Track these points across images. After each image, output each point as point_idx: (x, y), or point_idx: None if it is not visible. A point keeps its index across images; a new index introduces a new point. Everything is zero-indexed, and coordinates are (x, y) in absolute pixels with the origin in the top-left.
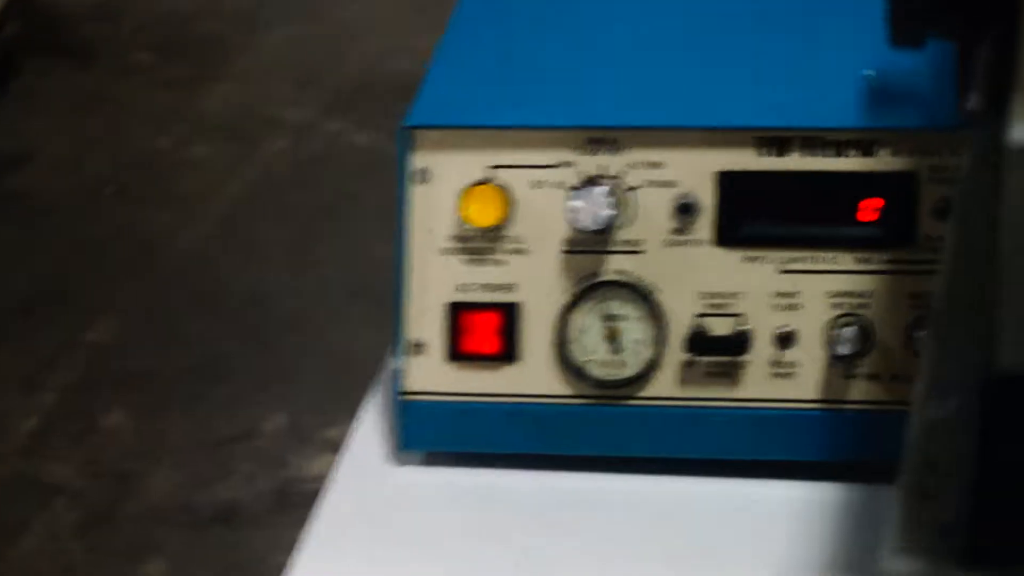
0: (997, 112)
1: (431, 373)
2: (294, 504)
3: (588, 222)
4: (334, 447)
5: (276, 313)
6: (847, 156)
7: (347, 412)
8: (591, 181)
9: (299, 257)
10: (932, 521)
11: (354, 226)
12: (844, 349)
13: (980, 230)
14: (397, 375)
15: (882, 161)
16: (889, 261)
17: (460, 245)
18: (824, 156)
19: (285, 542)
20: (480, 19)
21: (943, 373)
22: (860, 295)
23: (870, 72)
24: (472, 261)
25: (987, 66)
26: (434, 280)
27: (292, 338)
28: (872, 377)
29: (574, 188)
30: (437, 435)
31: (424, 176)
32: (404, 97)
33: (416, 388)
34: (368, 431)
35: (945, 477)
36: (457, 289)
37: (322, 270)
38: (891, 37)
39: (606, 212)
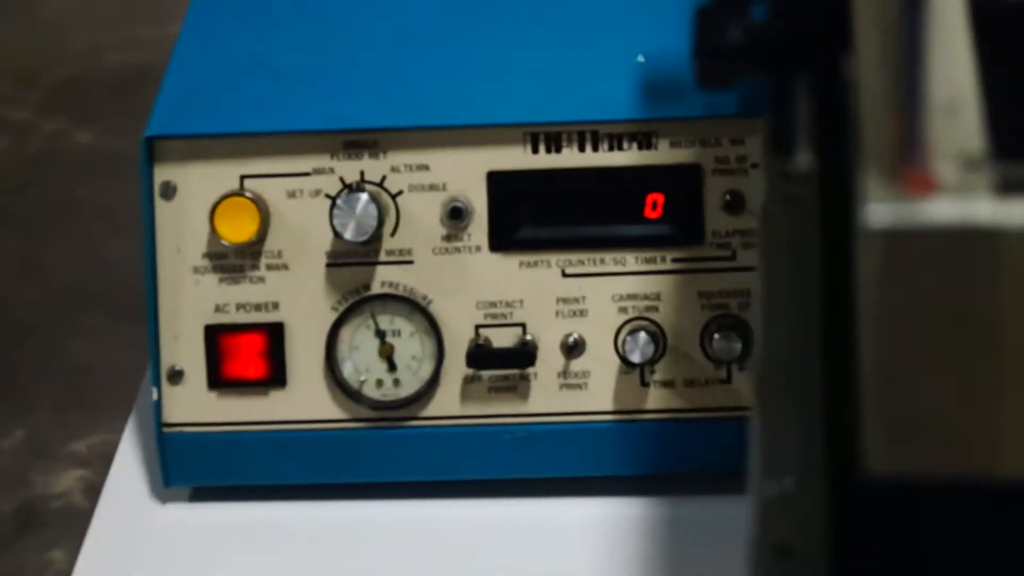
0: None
1: (192, 403)
2: (40, 523)
3: (352, 233)
4: (79, 461)
5: (4, 323)
6: (625, 150)
7: (89, 425)
8: (352, 188)
9: (26, 264)
10: None
11: (81, 228)
12: (636, 356)
13: (800, 286)
14: (156, 406)
15: (663, 154)
16: (676, 260)
17: (214, 263)
18: (601, 151)
19: (32, 565)
20: (216, 16)
21: (777, 449)
22: (648, 297)
23: (641, 58)
24: (228, 280)
25: (811, 117)
26: (188, 302)
27: (24, 349)
28: (666, 384)
29: (334, 196)
30: (202, 469)
31: (169, 190)
32: (125, 91)
33: (177, 420)
34: (127, 465)
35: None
36: (215, 310)
37: (51, 277)
38: (698, 79)
39: (371, 221)
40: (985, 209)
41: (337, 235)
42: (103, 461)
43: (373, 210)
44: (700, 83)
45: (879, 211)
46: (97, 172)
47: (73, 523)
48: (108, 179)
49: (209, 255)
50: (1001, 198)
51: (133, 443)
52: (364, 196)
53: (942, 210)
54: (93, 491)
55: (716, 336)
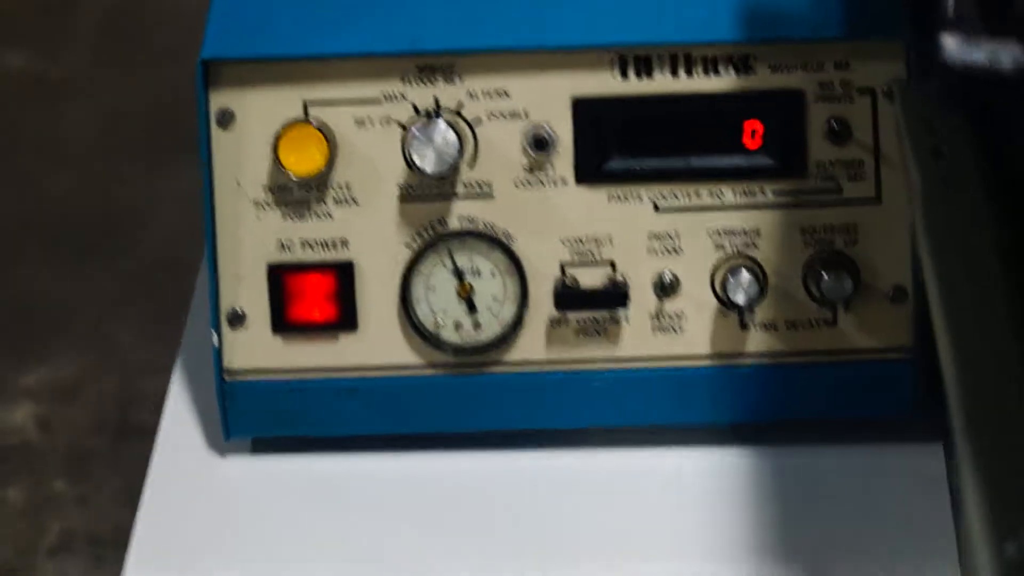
0: None
1: (255, 348)
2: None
3: (431, 164)
4: (30, 395)
5: None
6: (721, 75)
7: (37, 359)
8: (429, 115)
9: None
10: None
11: (16, 158)
12: (739, 296)
13: (986, 287)
14: (216, 352)
15: (762, 79)
16: (777, 192)
17: (277, 197)
18: (695, 76)
19: None
20: None
21: (1007, 498)
22: (747, 233)
23: None
24: (293, 215)
25: None
26: (249, 239)
27: None
28: (767, 326)
29: (409, 125)
30: (267, 420)
31: (227, 118)
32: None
33: (239, 366)
34: (182, 415)
35: None
36: (279, 248)
37: None
38: None
39: (451, 151)
40: None
41: (412, 167)
42: (54, 395)
43: (453, 138)
44: None
45: None
46: (31, 96)
47: (29, 458)
48: (42, 104)
49: (271, 188)
50: None
51: (183, 390)
52: (442, 123)
53: None
54: (47, 426)
55: (824, 275)
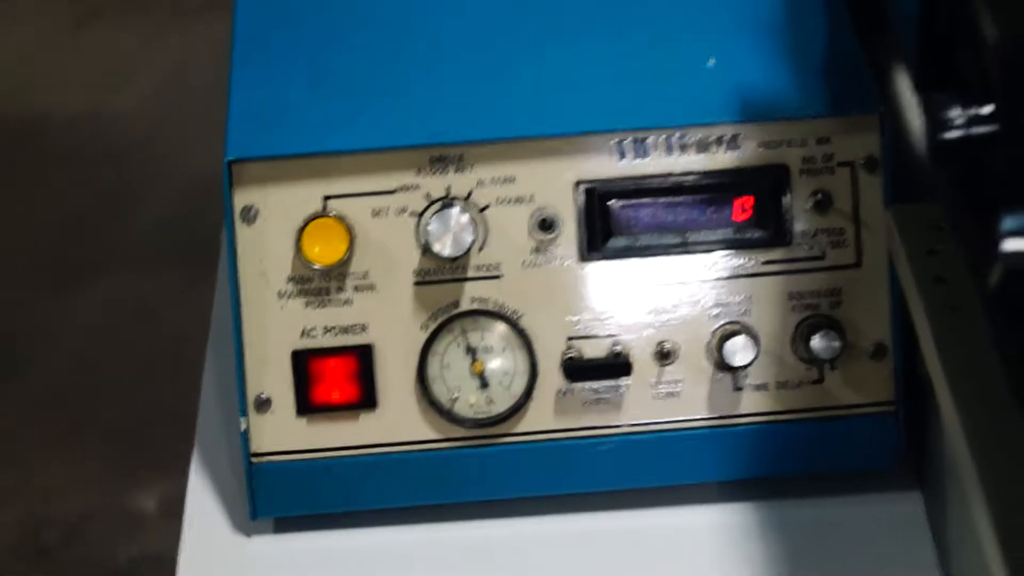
0: None
1: (281, 431)
2: None
3: (449, 248)
4: None
5: None
6: (712, 153)
7: None
8: (444, 203)
9: None
10: None
11: None
12: (737, 360)
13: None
14: (244, 437)
15: (749, 156)
16: (766, 262)
17: (300, 287)
18: (688, 155)
19: None
20: (269, 32)
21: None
22: (740, 301)
23: (712, 61)
24: (315, 303)
25: None
26: (274, 327)
27: None
28: (759, 387)
29: (423, 213)
30: (293, 498)
31: (250, 215)
32: None
33: (266, 449)
34: (203, 498)
35: None
36: (302, 335)
37: None
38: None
39: (467, 236)
40: None
41: (430, 251)
42: None
43: (467, 222)
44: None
45: None
46: None
47: None
48: None
49: (294, 279)
50: None
51: (203, 478)
52: (457, 210)
53: None
54: None
55: (812, 337)
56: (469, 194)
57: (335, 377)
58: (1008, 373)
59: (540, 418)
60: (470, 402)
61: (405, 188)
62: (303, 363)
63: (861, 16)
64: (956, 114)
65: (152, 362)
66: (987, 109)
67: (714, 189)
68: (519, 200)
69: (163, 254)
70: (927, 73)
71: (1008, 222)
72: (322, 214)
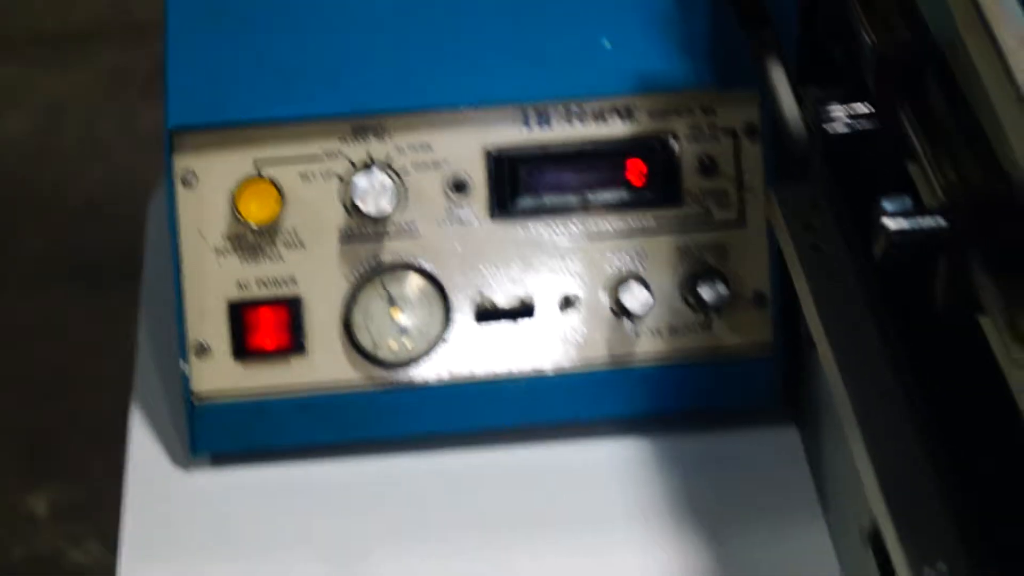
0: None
1: (219, 374)
2: None
3: (370, 208)
4: None
5: None
6: (608, 122)
7: None
8: (367, 168)
9: None
10: None
11: None
12: (634, 306)
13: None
14: (184, 379)
15: (642, 125)
16: (658, 220)
17: (235, 244)
18: (587, 124)
19: None
20: (198, 5)
21: (923, 532)
22: (635, 254)
23: (607, 43)
24: (249, 259)
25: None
26: (212, 281)
27: None
28: (653, 332)
29: (347, 177)
30: (230, 435)
31: (190, 178)
32: None
33: (205, 390)
34: (142, 438)
35: None
36: (237, 287)
37: None
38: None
39: (387, 197)
40: None
41: (354, 211)
42: None
43: (389, 184)
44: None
45: None
46: None
47: None
48: None
49: (230, 237)
50: None
51: (142, 416)
52: (378, 173)
53: None
54: None
55: (701, 286)
56: (388, 160)
57: (267, 325)
58: (881, 325)
59: (455, 361)
60: (391, 347)
61: (331, 154)
62: (238, 313)
63: (740, 10)
64: (836, 111)
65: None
66: (864, 108)
67: (610, 154)
68: (434, 165)
69: (44, 279)
70: (805, 68)
71: (887, 205)
72: (255, 177)
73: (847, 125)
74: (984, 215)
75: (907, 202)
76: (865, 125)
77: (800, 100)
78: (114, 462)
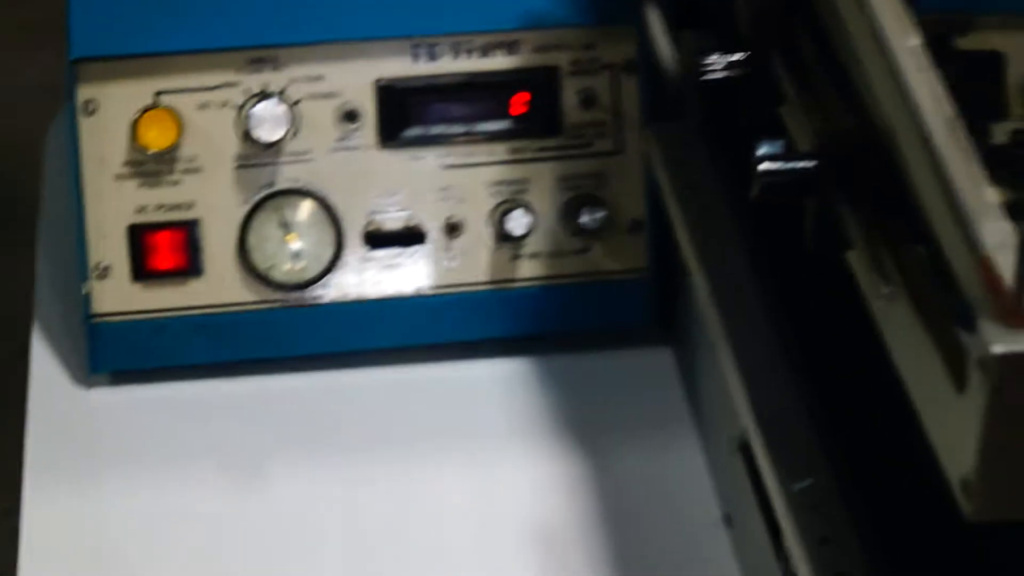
0: None
1: (119, 295)
2: None
3: (265, 135)
4: None
5: None
6: (493, 57)
7: None
8: (262, 97)
9: None
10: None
11: None
12: (517, 229)
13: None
14: (85, 299)
15: (525, 59)
16: (540, 149)
17: (135, 170)
18: (472, 58)
19: None
20: None
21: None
22: (518, 182)
23: None
24: (148, 184)
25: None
26: (112, 205)
27: None
28: (535, 256)
29: (246, 105)
30: (129, 354)
31: (91, 107)
32: None
33: (105, 310)
34: (44, 358)
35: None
36: (137, 211)
37: None
38: None
39: (281, 124)
40: None
41: (249, 138)
42: None
43: (282, 114)
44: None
45: (999, 344)
46: None
47: None
48: None
49: (129, 163)
50: None
51: (42, 340)
52: (273, 102)
53: None
54: None
55: (581, 211)
56: (283, 90)
57: (166, 248)
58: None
59: (346, 282)
60: (284, 269)
61: (228, 84)
62: (138, 236)
63: None
64: (711, 58)
65: None
66: (739, 56)
67: (495, 87)
68: (327, 95)
69: None
70: (683, 13)
71: (762, 148)
72: (154, 106)
73: (722, 71)
74: (851, 158)
75: (781, 146)
76: (740, 71)
77: (676, 43)
78: None
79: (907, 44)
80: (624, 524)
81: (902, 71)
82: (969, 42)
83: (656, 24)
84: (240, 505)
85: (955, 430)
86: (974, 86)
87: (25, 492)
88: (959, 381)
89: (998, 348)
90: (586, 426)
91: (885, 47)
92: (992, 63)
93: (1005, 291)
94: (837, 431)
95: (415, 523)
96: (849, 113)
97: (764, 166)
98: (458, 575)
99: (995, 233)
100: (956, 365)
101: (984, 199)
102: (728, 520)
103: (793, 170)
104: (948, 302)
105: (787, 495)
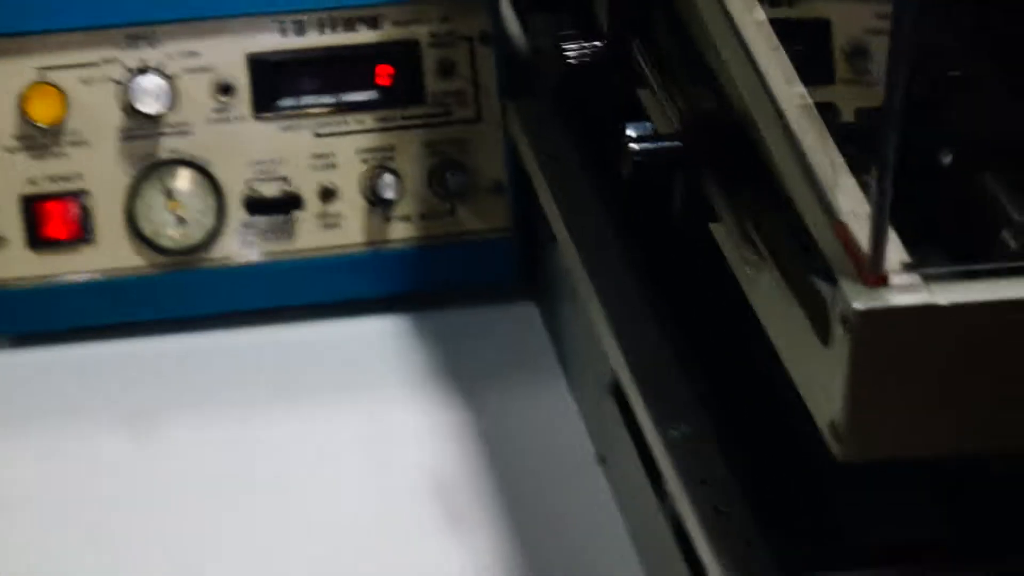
0: None
1: (15, 262)
2: None
3: (146, 108)
4: None
5: None
6: (357, 31)
7: None
8: (142, 72)
9: None
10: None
11: None
12: (385, 195)
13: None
14: None
15: (388, 33)
16: (405, 117)
17: (24, 143)
18: (338, 32)
19: None
20: None
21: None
22: (385, 149)
23: None
24: (38, 157)
25: None
26: (5, 179)
27: None
28: (404, 218)
29: (128, 80)
30: (27, 318)
31: None
32: None
33: (2, 278)
34: None
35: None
36: (28, 183)
37: None
38: None
39: (161, 97)
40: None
41: (132, 112)
42: None
43: (162, 88)
44: None
45: (858, 301)
46: None
47: None
48: None
49: (19, 137)
50: (929, 287)
51: None
52: (152, 76)
53: (897, 296)
54: None
55: (446, 175)
56: (161, 65)
57: (58, 217)
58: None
59: (228, 247)
60: (170, 235)
61: (108, 61)
62: (31, 206)
63: None
64: (570, 44)
65: None
66: (597, 43)
67: (360, 59)
68: (203, 70)
69: None
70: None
71: (630, 130)
72: (40, 83)
73: (580, 57)
74: (714, 137)
75: (648, 127)
76: (598, 57)
77: (530, 25)
78: None
79: (754, 19)
80: (504, 465)
81: (753, 52)
82: (798, 12)
83: (506, 5)
84: (136, 455)
85: (822, 380)
86: (806, 53)
87: None
88: (823, 336)
89: (858, 305)
90: (462, 376)
91: (735, 25)
92: (820, 30)
93: (861, 254)
94: (707, 377)
95: (308, 470)
96: (709, 94)
97: (634, 146)
98: (351, 510)
99: (849, 201)
100: (820, 322)
101: (836, 170)
102: (603, 460)
103: (661, 149)
104: (810, 266)
105: (665, 440)
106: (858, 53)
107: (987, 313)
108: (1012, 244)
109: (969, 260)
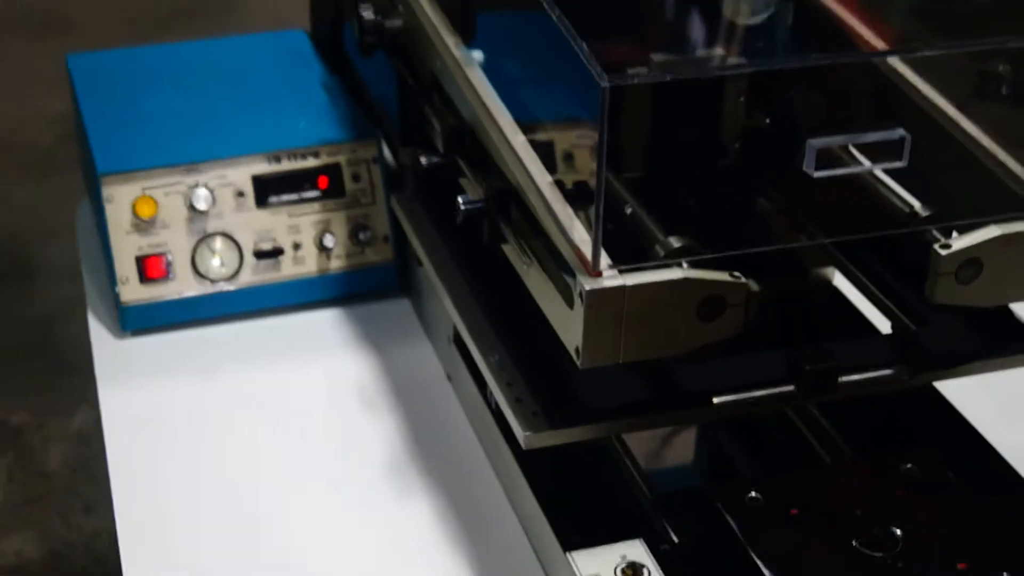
0: None
1: (132, 291)
2: None
3: (201, 205)
4: None
5: None
6: (307, 159)
7: None
8: (196, 187)
9: None
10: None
11: None
12: (329, 244)
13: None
14: (116, 294)
15: (324, 160)
16: (335, 204)
17: (136, 228)
18: (297, 160)
19: None
20: None
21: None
22: (326, 221)
23: (302, 121)
24: (143, 235)
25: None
26: (126, 246)
27: None
28: (339, 257)
29: (190, 191)
30: (139, 321)
31: (110, 198)
32: None
33: (127, 299)
34: (97, 326)
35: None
36: (139, 249)
37: None
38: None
39: (208, 200)
40: (619, 279)
41: (193, 208)
42: None
43: (208, 194)
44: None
45: (587, 284)
46: None
47: None
48: None
49: (133, 224)
50: (622, 276)
51: (94, 318)
52: (203, 189)
53: (606, 281)
54: None
55: (359, 233)
56: (206, 183)
57: (154, 267)
58: (456, 254)
59: (245, 277)
60: (214, 272)
61: (178, 182)
62: (140, 261)
63: (362, 105)
64: (423, 157)
65: None
66: (436, 158)
67: (310, 174)
68: (228, 184)
69: None
70: (405, 134)
71: (460, 198)
72: (143, 196)
73: (428, 166)
74: (502, 201)
75: (469, 197)
76: (440, 164)
77: (395, 151)
78: None
79: (520, 141)
80: (391, 381)
81: (521, 156)
82: (542, 136)
83: (389, 135)
84: (213, 389)
85: (570, 327)
86: (544, 157)
87: None
88: (569, 304)
89: (587, 286)
90: (367, 338)
91: (511, 145)
92: (551, 146)
93: (587, 261)
94: (508, 328)
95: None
96: (500, 179)
97: (462, 206)
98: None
99: (580, 234)
100: (567, 296)
101: (572, 220)
102: (449, 377)
103: (475, 208)
104: (561, 267)
105: (486, 363)
106: (568, 157)
107: (648, 288)
108: (660, 253)
109: (641, 261)
